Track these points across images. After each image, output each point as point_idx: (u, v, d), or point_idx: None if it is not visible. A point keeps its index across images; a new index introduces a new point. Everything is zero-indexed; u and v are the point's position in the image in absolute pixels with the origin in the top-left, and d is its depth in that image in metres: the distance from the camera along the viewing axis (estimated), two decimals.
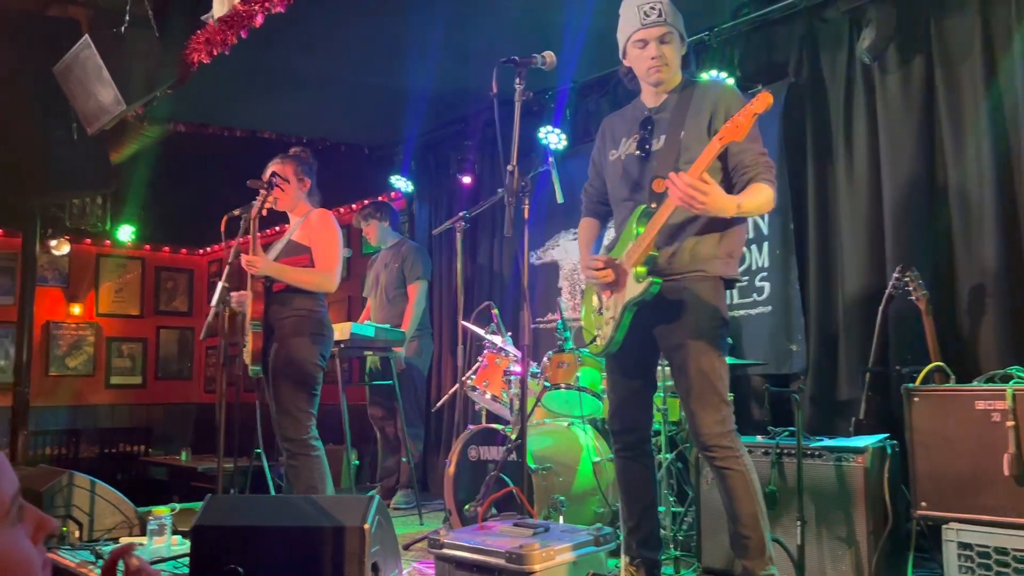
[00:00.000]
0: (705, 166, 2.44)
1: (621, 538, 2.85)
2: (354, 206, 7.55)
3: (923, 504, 2.77)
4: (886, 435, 3.11)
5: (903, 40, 3.75)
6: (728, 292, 2.81)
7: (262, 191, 3.65)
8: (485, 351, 4.24)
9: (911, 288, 3.34)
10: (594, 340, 2.79)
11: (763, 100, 2.33)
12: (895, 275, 3.41)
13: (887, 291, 3.46)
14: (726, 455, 2.56)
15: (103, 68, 4.33)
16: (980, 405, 2.68)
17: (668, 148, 2.66)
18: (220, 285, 3.47)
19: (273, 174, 3.72)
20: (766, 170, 2.59)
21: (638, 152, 2.73)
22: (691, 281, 2.62)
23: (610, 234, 3.01)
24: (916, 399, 2.83)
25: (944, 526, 2.69)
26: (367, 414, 5.48)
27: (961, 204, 3.55)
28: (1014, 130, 3.42)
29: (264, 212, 3.70)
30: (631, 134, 2.79)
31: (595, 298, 2.81)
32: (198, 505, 2.90)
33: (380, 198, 6.43)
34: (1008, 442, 2.57)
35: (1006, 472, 2.56)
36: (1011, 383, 2.66)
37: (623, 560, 2.82)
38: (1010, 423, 2.58)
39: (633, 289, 2.59)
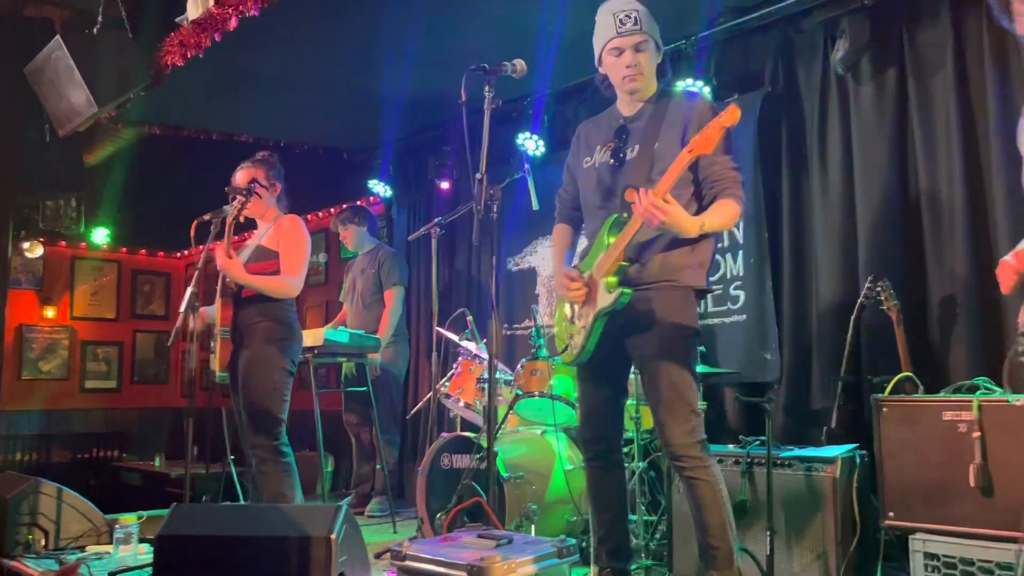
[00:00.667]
0: (675, 178, 2.44)
1: (591, 548, 2.84)
2: (332, 210, 7.51)
3: (891, 514, 2.77)
4: (856, 445, 3.12)
5: (876, 51, 3.77)
6: (702, 300, 2.81)
7: (240, 197, 3.61)
8: (460, 358, 4.22)
9: (883, 298, 3.36)
10: (566, 349, 2.78)
11: (731, 114, 2.33)
12: (867, 285, 3.42)
13: (859, 301, 3.47)
14: (695, 465, 2.56)
15: (75, 69, 4.28)
16: (947, 415, 2.69)
17: (641, 158, 2.66)
18: (189, 290, 3.44)
19: (252, 180, 3.69)
20: (733, 185, 2.60)
21: (612, 160, 2.73)
22: (662, 291, 2.62)
23: (583, 242, 3.00)
24: (885, 409, 2.84)
25: (911, 536, 2.69)
26: (342, 420, 5.44)
27: (933, 215, 3.57)
28: (985, 142, 3.44)
29: (242, 219, 3.67)
30: (606, 142, 2.78)
31: (567, 307, 2.80)
32: (166, 512, 2.87)
33: (358, 202, 6.40)
34: (974, 453, 2.58)
35: (972, 483, 2.57)
36: (977, 394, 2.67)
37: (592, 570, 2.81)
38: (976, 434, 2.59)
39: (604, 299, 2.58)
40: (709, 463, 2.58)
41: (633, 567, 2.92)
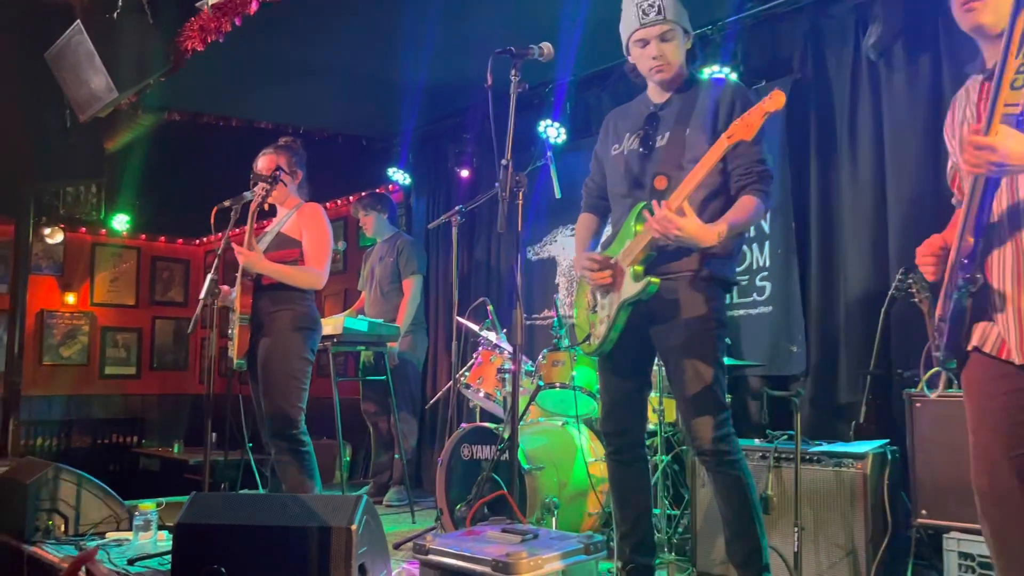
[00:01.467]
0: (711, 165, 2.39)
1: (615, 542, 2.79)
2: (351, 198, 7.48)
3: (924, 512, 2.71)
4: (886, 440, 3.05)
5: (910, 37, 3.67)
6: (728, 292, 2.75)
7: (264, 184, 3.57)
8: (480, 348, 4.17)
9: (914, 290, 3.25)
10: (587, 339, 2.73)
11: (776, 99, 2.26)
12: (898, 277, 3.33)
13: (889, 293, 3.39)
14: (723, 460, 2.50)
15: (95, 55, 4.26)
16: None
17: (672, 145, 2.60)
18: (209, 277, 3.41)
19: (278, 168, 3.65)
20: (760, 180, 2.53)
21: (640, 148, 2.68)
22: (688, 281, 2.56)
23: (608, 230, 2.94)
24: (918, 405, 2.77)
25: (945, 535, 2.63)
26: (360, 409, 5.42)
27: None
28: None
29: (266, 206, 3.63)
30: (635, 130, 2.73)
31: (589, 296, 2.75)
32: (185, 500, 2.85)
33: (378, 190, 6.36)
34: None
35: None
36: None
37: (616, 565, 2.76)
38: None
39: (630, 288, 2.53)
40: (738, 457, 2.52)
41: (656, 561, 2.87)
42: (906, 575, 2.81)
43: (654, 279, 2.48)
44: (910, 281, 3.27)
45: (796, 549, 2.77)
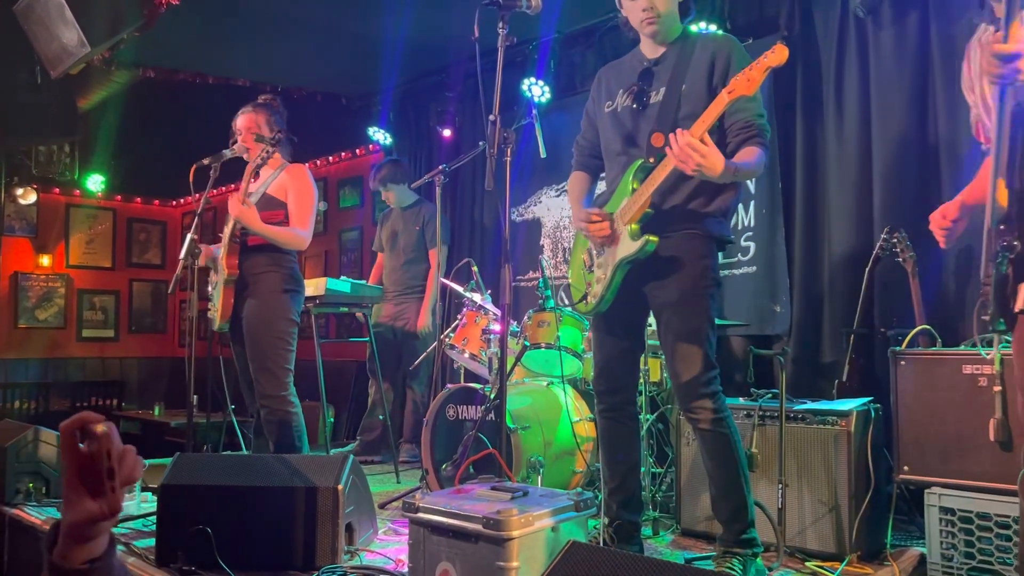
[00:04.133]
0: (711, 121, 2.35)
1: (601, 498, 2.80)
2: (331, 158, 7.38)
3: (906, 468, 2.74)
4: (870, 398, 3.07)
5: None
6: (721, 251, 2.74)
7: (264, 147, 3.49)
8: (464, 309, 4.15)
9: (898, 250, 3.28)
10: (583, 298, 2.71)
11: (779, 53, 2.20)
12: (883, 236, 3.34)
13: (874, 252, 3.40)
14: (710, 417, 2.51)
15: (65, 8, 4.12)
16: (967, 369, 2.64)
17: (668, 101, 2.56)
18: (189, 237, 3.35)
19: (280, 131, 3.58)
20: (761, 134, 2.51)
21: (634, 104, 2.63)
22: (684, 239, 2.54)
23: (600, 187, 2.91)
24: (902, 362, 2.79)
25: (927, 491, 2.66)
26: (343, 370, 5.40)
27: (951, 165, 3.48)
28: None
29: (254, 168, 3.55)
30: (628, 86, 2.68)
31: (584, 255, 2.72)
32: (169, 461, 2.83)
33: (342, 155, 6.23)
34: (995, 407, 2.53)
35: (991, 437, 2.53)
36: (1000, 347, 2.61)
37: (603, 521, 2.78)
38: (997, 388, 2.54)
39: (628, 247, 2.50)
40: (725, 415, 2.53)
41: (642, 518, 2.89)
42: (887, 530, 2.85)
43: (652, 237, 2.46)
44: (895, 241, 3.29)
45: (780, 505, 2.80)
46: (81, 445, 0.95)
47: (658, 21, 2.58)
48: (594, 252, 2.67)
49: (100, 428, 0.92)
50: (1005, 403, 2.53)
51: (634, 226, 2.50)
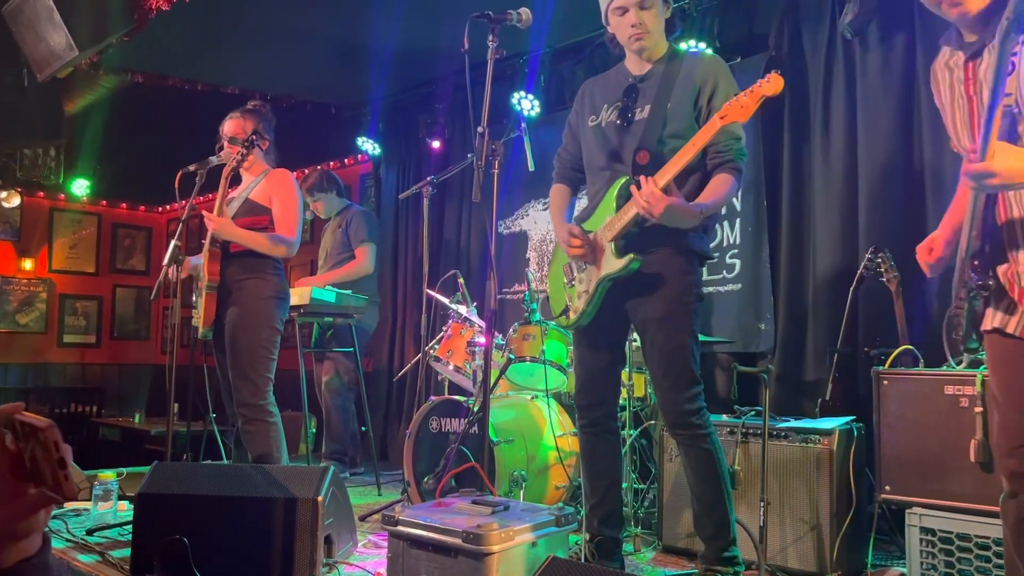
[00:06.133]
0: (702, 145, 2.38)
1: (583, 514, 2.79)
2: (319, 167, 7.36)
3: (887, 488, 2.74)
4: (852, 417, 3.08)
5: (886, 17, 3.67)
6: (703, 267, 2.74)
7: (240, 148, 3.47)
8: (450, 321, 4.14)
9: (883, 269, 3.30)
10: (564, 313, 2.70)
11: (774, 83, 2.22)
12: (867, 256, 3.36)
13: (858, 272, 3.42)
14: (695, 433, 2.51)
15: (54, 11, 4.10)
16: (949, 390, 2.64)
17: (653, 119, 2.57)
18: (173, 243, 3.32)
19: (255, 132, 3.55)
20: (736, 158, 2.54)
21: (619, 120, 2.64)
22: (665, 256, 2.55)
23: (582, 202, 2.91)
24: (885, 382, 2.79)
25: (908, 510, 2.66)
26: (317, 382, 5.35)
27: (936, 186, 3.50)
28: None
29: (229, 172, 3.53)
30: (613, 101, 2.69)
31: (564, 269, 2.72)
32: (147, 470, 2.79)
33: (320, 166, 6.24)
34: (976, 428, 2.54)
35: (972, 458, 2.53)
36: (980, 368, 2.63)
37: (584, 537, 2.76)
38: (978, 409, 2.55)
39: (612, 264, 2.51)
40: (709, 431, 2.53)
41: (624, 534, 2.88)
42: (869, 549, 2.85)
43: (637, 256, 2.47)
44: (879, 260, 3.31)
45: (762, 523, 2.79)
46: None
47: (646, 37, 2.59)
48: (574, 266, 2.66)
49: (39, 421, 0.89)
50: (986, 424, 2.53)
51: (616, 243, 2.50)
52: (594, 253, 2.56)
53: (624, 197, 2.52)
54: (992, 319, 1.79)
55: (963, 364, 2.59)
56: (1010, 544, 1.75)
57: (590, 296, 2.57)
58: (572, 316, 2.65)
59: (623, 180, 2.55)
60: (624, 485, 3.18)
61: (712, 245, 4.17)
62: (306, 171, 7.28)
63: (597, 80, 2.84)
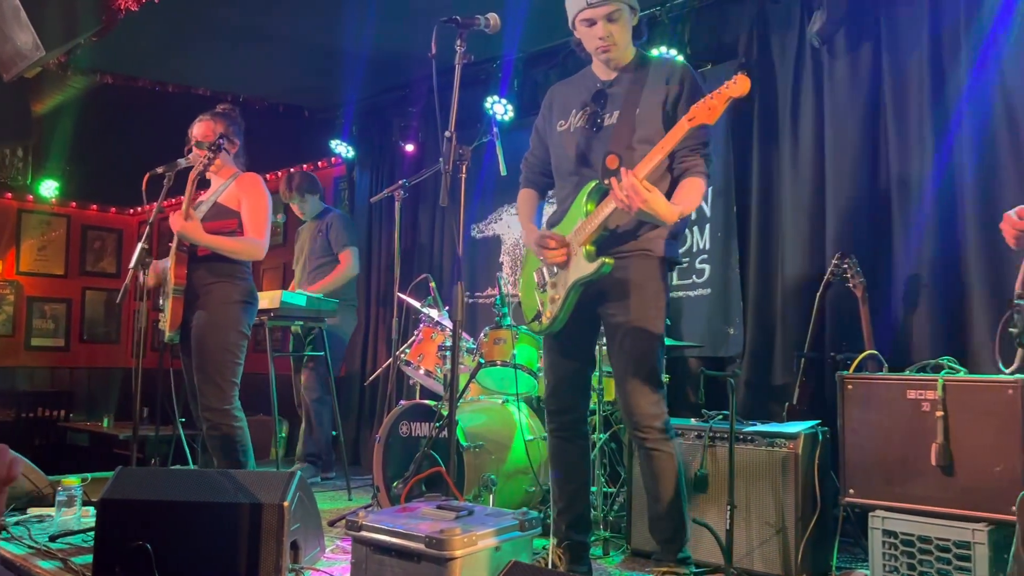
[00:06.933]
0: (671, 147, 2.39)
1: (551, 518, 2.79)
2: (292, 170, 7.31)
3: (851, 491, 2.77)
4: (818, 421, 3.11)
5: (853, 26, 3.72)
6: (671, 272, 2.76)
7: (206, 152, 3.45)
8: (421, 325, 4.13)
9: (849, 275, 3.34)
10: (536, 319, 2.70)
11: (741, 84, 2.25)
12: (834, 262, 3.40)
13: (825, 277, 3.46)
14: (656, 437, 2.53)
15: (20, 10, 4.05)
16: (911, 394, 2.68)
17: (622, 124, 2.57)
18: (139, 246, 3.29)
19: (221, 136, 3.52)
20: (705, 162, 2.55)
21: (588, 126, 2.64)
22: (636, 260, 2.56)
23: (551, 207, 2.92)
24: (849, 387, 2.83)
25: (871, 513, 2.69)
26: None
27: (901, 193, 3.55)
28: (956, 122, 3.42)
29: (195, 175, 3.50)
30: (582, 106, 2.69)
31: (535, 275, 2.72)
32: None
33: (304, 167, 6.21)
34: (937, 432, 2.58)
35: (933, 462, 2.57)
36: (942, 373, 2.67)
37: (551, 541, 2.76)
38: (939, 413, 2.58)
39: (583, 268, 2.51)
40: (671, 436, 2.56)
41: (592, 538, 2.88)
42: (833, 552, 2.88)
43: (608, 259, 2.47)
44: (845, 266, 3.35)
45: (728, 527, 2.82)
46: None
47: (613, 49, 2.60)
48: (546, 271, 2.67)
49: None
50: (947, 428, 2.57)
51: (589, 247, 2.51)
52: (566, 258, 2.57)
53: (595, 200, 2.52)
54: None
55: (1013, 368, 2.50)
56: (1020, 541, 1.76)
57: (562, 301, 2.58)
58: (544, 321, 2.65)
59: (592, 184, 2.55)
60: (593, 489, 3.19)
61: (682, 250, 4.20)
62: (280, 173, 7.27)
63: (564, 85, 2.85)
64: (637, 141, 2.53)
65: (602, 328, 2.71)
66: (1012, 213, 2.04)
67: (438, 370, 3.96)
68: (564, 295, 2.58)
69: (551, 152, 2.80)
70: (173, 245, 3.44)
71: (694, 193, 2.51)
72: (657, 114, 2.54)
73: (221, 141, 3.49)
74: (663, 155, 2.39)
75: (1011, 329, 1.74)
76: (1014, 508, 1.86)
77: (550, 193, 2.92)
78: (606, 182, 2.52)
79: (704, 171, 2.55)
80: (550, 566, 2.69)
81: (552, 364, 2.77)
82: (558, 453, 2.77)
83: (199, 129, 3.60)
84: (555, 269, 2.62)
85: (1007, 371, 2.52)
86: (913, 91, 3.55)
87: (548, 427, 2.81)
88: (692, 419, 3.19)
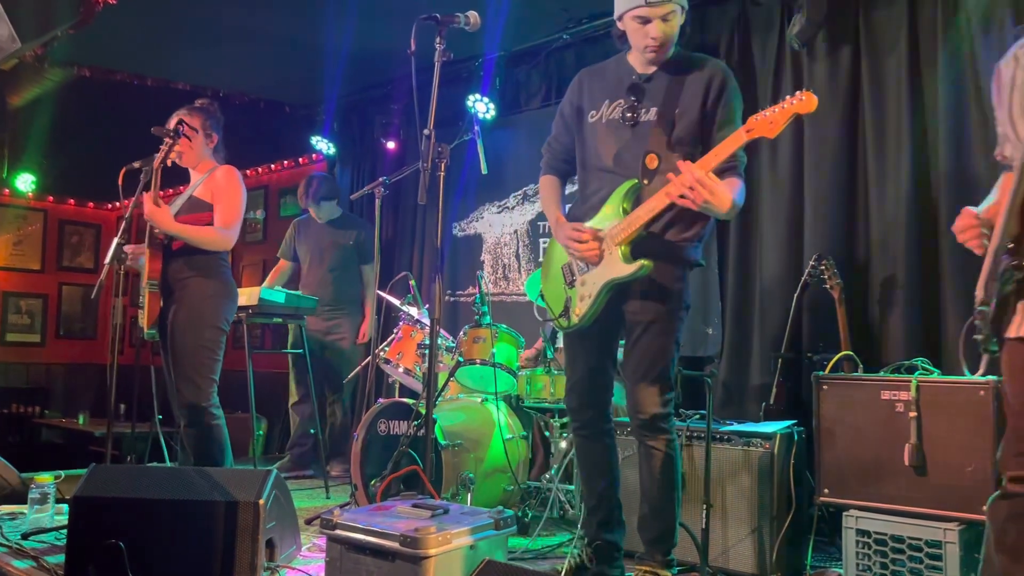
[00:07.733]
0: (725, 156, 2.33)
1: (581, 517, 2.76)
2: (273, 166, 7.28)
3: (826, 491, 2.79)
4: (794, 421, 3.13)
5: (832, 29, 3.75)
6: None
7: (167, 140, 3.41)
8: (401, 323, 4.12)
9: (826, 276, 3.37)
10: (564, 315, 2.63)
11: (808, 102, 2.16)
12: (811, 263, 3.43)
13: (803, 279, 3.49)
14: (660, 436, 2.52)
15: None
16: (885, 395, 2.70)
17: (661, 122, 2.50)
18: (115, 241, 3.25)
19: (180, 122, 3.48)
20: (741, 164, 2.51)
21: (623, 120, 2.56)
22: (664, 263, 2.51)
23: (578, 200, 2.84)
24: (824, 387, 2.85)
25: (845, 513, 2.72)
26: (277, 382, 5.30)
27: (879, 195, 3.58)
28: (933, 124, 3.46)
29: (168, 163, 3.46)
30: (615, 97, 2.60)
31: (564, 270, 2.66)
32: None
33: (286, 163, 6.15)
34: (910, 432, 2.61)
35: (906, 462, 2.60)
36: (916, 374, 2.70)
37: (582, 541, 2.74)
38: (912, 414, 2.61)
39: (619, 269, 2.46)
40: (673, 436, 2.54)
41: (623, 539, 2.77)
42: (808, 551, 2.90)
43: (647, 262, 2.42)
44: (822, 268, 3.38)
45: (704, 526, 2.82)
46: None
47: (663, 49, 2.52)
48: (575, 267, 2.61)
49: None
50: (920, 429, 2.60)
51: (625, 248, 2.47)
52: (599, 254, 2.52)
53: (631, 200, 2.48)
54: (1018, 328, 1.74)
55: (980, 372, 2.48)
56: (991, 542, 1.77)
57: (592, 299, 2.53)
58: (574, 319, 2.60)
59: (632, 183, 2.49)
60: (571, 487, 3.19)
61: None
62: (260, 169, 7.23)
63: (594, 71, 2.74)
64: (675, 140, 2.48)
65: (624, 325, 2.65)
66: (961, 223, 1.97)
67: (417, 368, 3.95)
68: (596, 293, 2.52)
69: (578, 143, 2.71)
70: (147, 239, 3.40)
71: (737, 191, 2.44)
72: (696, 115, 2.48)
73: (180, 127, 3.45)
74: (718, 161, 2.32)
75: (976, 336, 1.74)
76: (985, 508, 1.87)
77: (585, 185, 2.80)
78: (644, 181, 2.48)
79: (740, 172, 2.50)
80: (578, 566, 2.67)
81: (574, 360, 2.71)
82: (583, 452, 2.73)
83: (174, 123, 3.56)
84: (587, 266, 2.57)
85: (973, 376, 2.54)
86: (891, 93, 3.58)
87: (571, 425, 2.76)
88: None
